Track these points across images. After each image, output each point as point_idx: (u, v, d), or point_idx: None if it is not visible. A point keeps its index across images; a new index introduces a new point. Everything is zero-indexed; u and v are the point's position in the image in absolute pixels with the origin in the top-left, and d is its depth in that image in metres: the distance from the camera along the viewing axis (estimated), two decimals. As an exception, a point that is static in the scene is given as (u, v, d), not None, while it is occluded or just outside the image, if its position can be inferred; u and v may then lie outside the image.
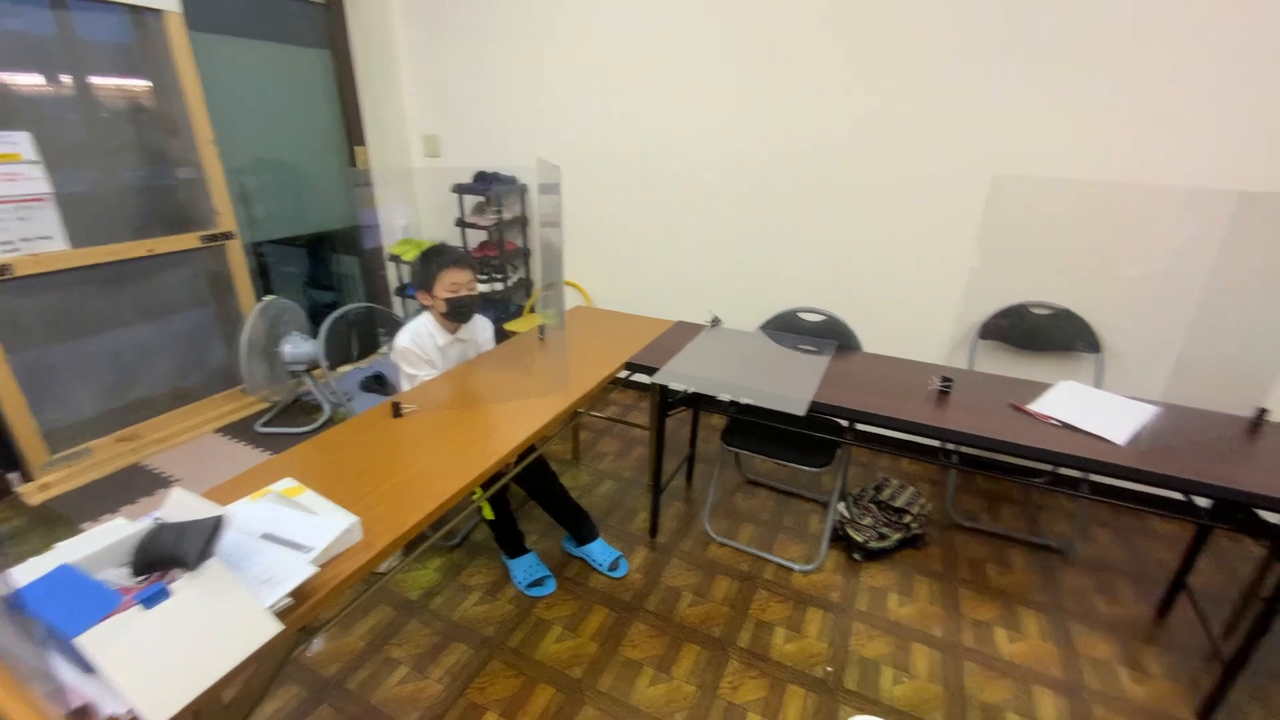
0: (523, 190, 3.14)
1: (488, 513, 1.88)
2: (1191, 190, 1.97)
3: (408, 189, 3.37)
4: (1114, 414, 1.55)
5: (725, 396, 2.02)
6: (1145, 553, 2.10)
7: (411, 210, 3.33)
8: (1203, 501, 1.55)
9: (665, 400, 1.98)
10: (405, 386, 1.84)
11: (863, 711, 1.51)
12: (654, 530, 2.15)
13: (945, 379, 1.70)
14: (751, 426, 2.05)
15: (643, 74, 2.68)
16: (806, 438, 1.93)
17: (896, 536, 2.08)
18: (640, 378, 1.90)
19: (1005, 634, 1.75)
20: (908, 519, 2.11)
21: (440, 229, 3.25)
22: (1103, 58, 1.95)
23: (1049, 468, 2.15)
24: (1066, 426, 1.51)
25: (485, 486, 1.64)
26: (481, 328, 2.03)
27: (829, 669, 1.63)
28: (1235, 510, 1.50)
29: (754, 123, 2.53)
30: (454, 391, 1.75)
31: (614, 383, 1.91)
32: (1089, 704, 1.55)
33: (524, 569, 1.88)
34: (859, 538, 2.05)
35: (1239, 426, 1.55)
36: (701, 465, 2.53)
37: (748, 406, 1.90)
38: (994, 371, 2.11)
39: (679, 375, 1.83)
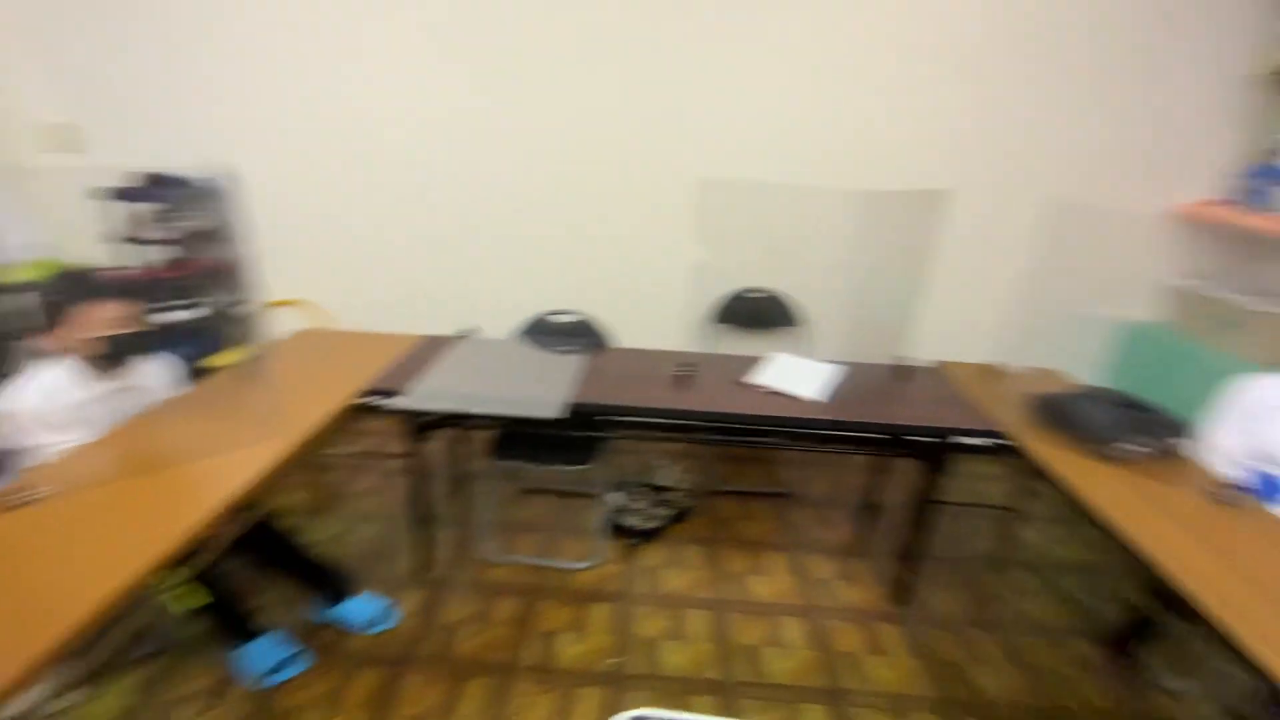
0: (216, 196, 2.59)
1: (185, 603, 1.49)
2: (846, 191, 2.46)
3: (25, 194, 2.51)
4: (812, 377, 1.86)
5: (479, 410, 1.92)
6: (850, 484, 2.58)
7: (38, 223, 2.50)
8: (879, 435, 1.95)
9: (419, 423, 1.81)
10: (32, 461, 1.36)
11: (650, 691, 1.58)
12: (426, 567, 1.96)
13: (686, 365, 1.86)
14: (520, 436, 1.99)
15: (360, 63, 2.40)
16: (572, 438, 1.94)
17: (666, 514, 2.23)
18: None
19: (757, 579, 2.00)
20: (675, 495, 2.27)
21: (93, 246, 2.50)
22: (785, 80, 2.33)
23: (774, 428, 2.53)
24: (778, 393, 1.77)
25: (193, 569, 1.31)
26: (155, 370, 1.61)
27: (613, 660, 1.66)
28: (898, 438, 1.92)
29: (490, 125, 2.46)
30: (118, 457, 1.35)
31: (362, 411, 1.68)
32: (822, 620, 1.84)
33: (258, 655, 1.55)
34: (633, 522, 2.15)
35: (891, 372, 1.99)
36: (477, 483, 2.39)
37: (515, 416, 1.84)
38: (729, 351, 2.38)
39: (425, 395, 1.69)
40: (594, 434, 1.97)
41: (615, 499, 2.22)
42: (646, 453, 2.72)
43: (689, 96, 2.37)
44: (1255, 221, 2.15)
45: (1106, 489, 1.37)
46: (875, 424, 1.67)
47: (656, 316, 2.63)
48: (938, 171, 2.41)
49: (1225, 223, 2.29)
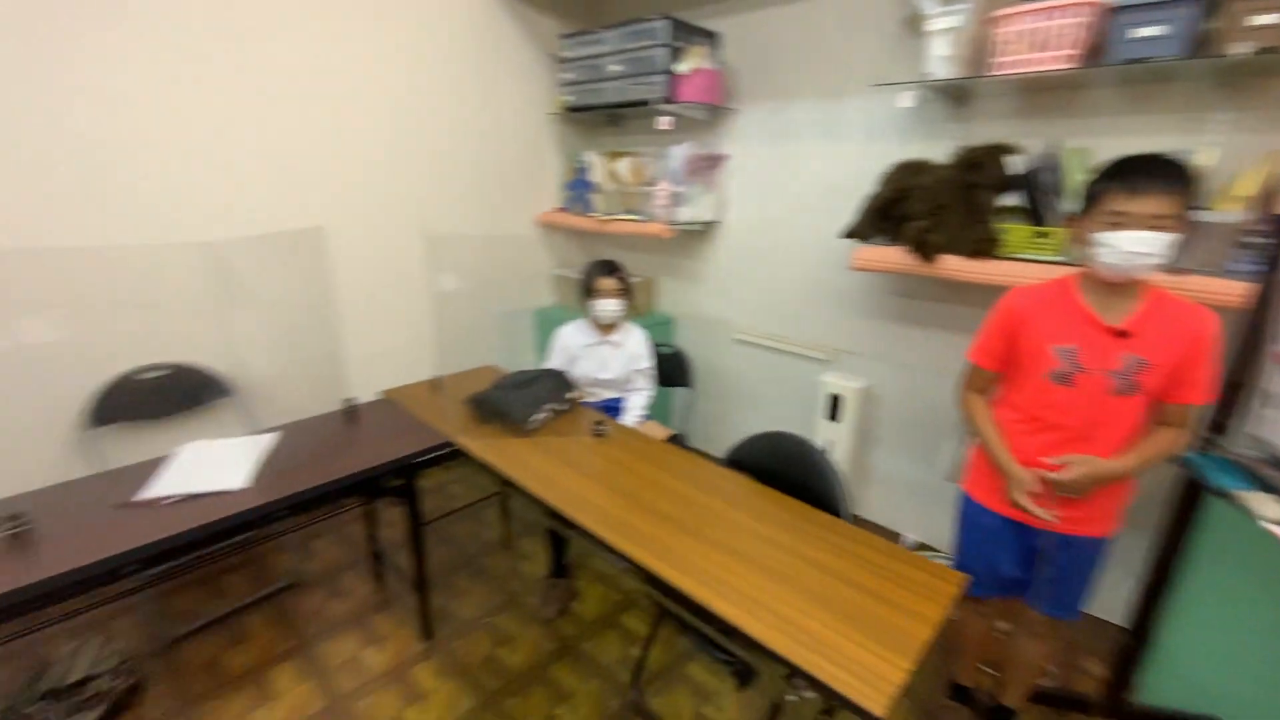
0: None
1: None
2: (202, 242, 2.14)
3: None
4: (234, 459, 1.56)
5: None
6: (355, 540, 2.39)
7: None
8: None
9: None
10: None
11: None
12: None
13: (11, 517, 1.26)
14: None
15: None
16: None
17: (94, 715, 1.56)
18: None
19: (261, 713, 1.63)
20: (97, 683, 1.61)
21: None
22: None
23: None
24: (189, 497, 1.41)
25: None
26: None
27: None
28: (370, 483, 1.83)
29: None
30: None
31: None
32: (352, 705, 1.65)
33: None
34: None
35: (342, 417, 1.88)
36: None
37: None
38: (126, 455, 1.76)
39: None
40: None
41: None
42: (38, 647, 1.83)
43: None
44: (579, 222, 2.96)
45: (520, 460, 1.63)
46: (335, 480, 1.53)
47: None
48: (316, 214, 2.32)
49: (567, 225, 3.08)
